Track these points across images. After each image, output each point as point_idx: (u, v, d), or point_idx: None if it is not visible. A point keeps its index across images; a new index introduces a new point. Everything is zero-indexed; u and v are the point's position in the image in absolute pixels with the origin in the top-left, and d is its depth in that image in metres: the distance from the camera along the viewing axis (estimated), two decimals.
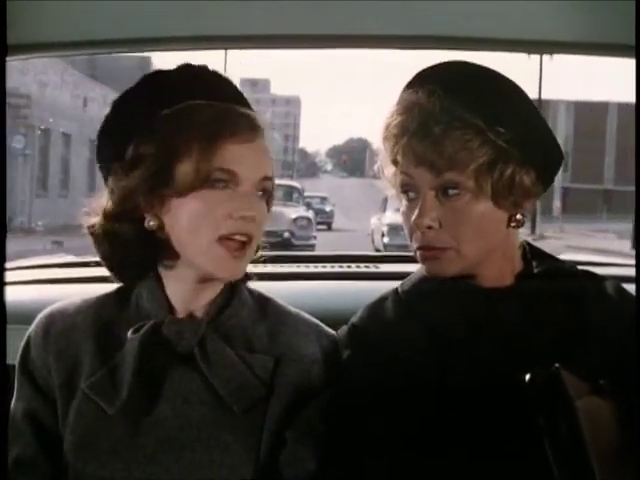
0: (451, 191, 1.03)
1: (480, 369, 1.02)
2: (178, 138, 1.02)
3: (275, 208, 1.15)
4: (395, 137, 1.04)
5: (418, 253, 1.07)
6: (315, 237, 15.18)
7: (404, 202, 1.08)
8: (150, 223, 1.04)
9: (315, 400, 1.06)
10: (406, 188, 1.06)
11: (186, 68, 1.10)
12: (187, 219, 1.02)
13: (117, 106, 1.10)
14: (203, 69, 1.11)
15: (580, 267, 1.18)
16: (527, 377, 0.94)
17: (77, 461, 1.03)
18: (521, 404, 0.94)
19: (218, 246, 1.02)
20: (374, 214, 16.73)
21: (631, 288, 1.16)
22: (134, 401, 1.03)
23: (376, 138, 1.11)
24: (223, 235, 1.01)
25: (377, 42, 1.49)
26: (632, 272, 1.45)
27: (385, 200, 12.86)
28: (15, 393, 1.11)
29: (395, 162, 1.06)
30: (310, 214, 15.86)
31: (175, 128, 1.03)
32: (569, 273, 1.14)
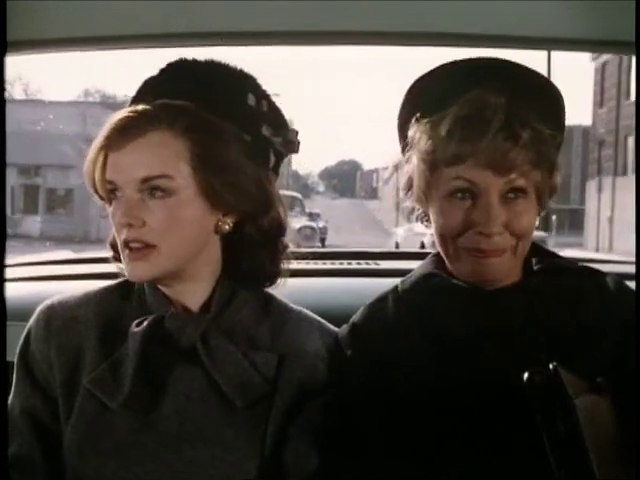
0: (513, 195, 1.02)
1: (480, 367, 1.02)
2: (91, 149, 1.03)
3: None
4: (466, 136, 0.99)
5: (465, 254, 1.04)
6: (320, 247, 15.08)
7: (448, 203, 1.03)
8: None
9: (319, 397, 1.06)
10: (462, 190, 1.02)
11: (166, 67, 1.10)
12: None
13: None
14: (173, 64, 1.10)
15: (581, 264, 1.18)
16: (525, 376, 0.94)
17: (78, 459, 1.03)
18: (520, 402, 0.94)
19: (123, 251, 1.02)
20: (398, 225, 16.38)
21: (632, 285, 1.15)
22: (136, 396, 1.02)
23: (366, 160, 1.13)
24: (122, 241, 1.01)
25: (373, 39, 1.49)
26: (632, 269, 1.45)
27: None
28: (13, 388, 1.10)
29: (449, 162, 1.01)
30: (314, 224, 15.49)
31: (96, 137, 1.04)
32: (570, 270, 1.13)
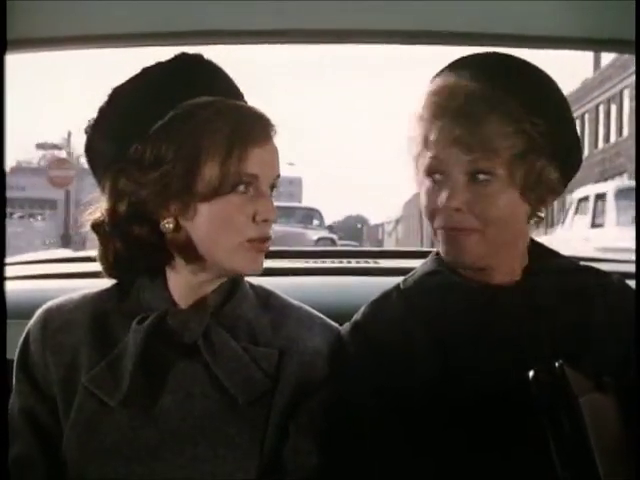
0: (482, 176, 1.02)
1: (483, 366, 1.02)
2: (203, 141, 0.98)
3: (296, 230, 1.15)
4: (433, 116, 1.03)
5: (440, 233, 1.06)
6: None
7: (427, 183, 1.06)
8: (166, 225, 1.02)
9: (319, 393, 1.06)
10: (434, 170, 1.04)
11: (184, 59, 1.06)
12: (210, 224, 1.00)
13: (117, 100, 1.04)
14: (200, 59, 1.07)
15: (583, 263, 1.18)
16: (530, 374, 0.93)
17: (79, 458, 1.02)
18: (525, 401, 0.94)
19: (244, 247, 1.01)
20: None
21: (632, 284, 1.16)
22: (135, 393, 1.02)
23: (372, 215, 1.16)
24: (250, 238, 1.00)
25: (375, 37, 1.49)
26: (632, 268, 1.45)
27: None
28: (13, 389, 1.10)
29: (426, 142, 1.04)
30: (334, 235, 14.99)
31: (198, 129, 0.98)
32: (573, 269, 1.13)
